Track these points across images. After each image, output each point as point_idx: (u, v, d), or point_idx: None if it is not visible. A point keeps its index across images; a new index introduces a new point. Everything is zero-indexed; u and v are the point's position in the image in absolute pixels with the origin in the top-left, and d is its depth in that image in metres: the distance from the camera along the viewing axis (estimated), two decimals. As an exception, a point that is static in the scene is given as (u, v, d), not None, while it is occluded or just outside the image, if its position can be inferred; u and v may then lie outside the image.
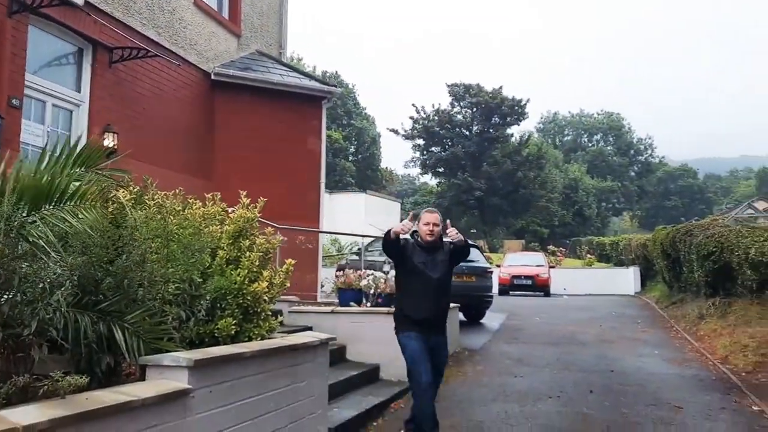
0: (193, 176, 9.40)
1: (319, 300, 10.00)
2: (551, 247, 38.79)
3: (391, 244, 5.00)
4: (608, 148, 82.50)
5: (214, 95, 10.50)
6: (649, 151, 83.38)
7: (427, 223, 5.11)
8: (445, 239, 5.20)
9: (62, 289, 2.76)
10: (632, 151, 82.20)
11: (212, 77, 10.40)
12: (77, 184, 3.01)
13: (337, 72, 54.47)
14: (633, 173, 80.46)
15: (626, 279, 24.61)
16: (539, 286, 23.25)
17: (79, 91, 8.04)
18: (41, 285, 2.71)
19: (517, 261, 25.68)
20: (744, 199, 59.23)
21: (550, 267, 26.00)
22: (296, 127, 11.14)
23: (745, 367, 8.69)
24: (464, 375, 8.29)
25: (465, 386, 7.63)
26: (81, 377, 2.65)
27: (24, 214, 2.78)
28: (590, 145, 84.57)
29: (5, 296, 2.66)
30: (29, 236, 2.70)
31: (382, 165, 60.06)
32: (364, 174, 53.86)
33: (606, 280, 24.84)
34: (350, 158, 53.40)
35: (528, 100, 51.59)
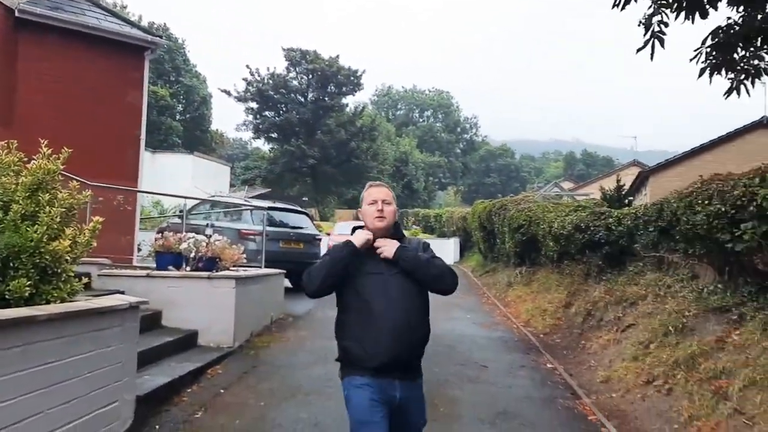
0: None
1: (135, 264, 9.46)
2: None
3: (346, 264, 3.06)
4: (437, 124, 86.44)
5: (18, 35, 9.37)
6: (474, 130, 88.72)
7: (374, 201, 3.18)
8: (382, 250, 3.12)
9: None
10: (459, 129, 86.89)
11: (16, 14, 9.26)
12: None
13: (165, 24, 51.31)
14: (459, 150, 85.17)
15: (447, 249, 26.14)
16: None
17: None
18: None
19: (347, 230, 26.02)
20: (553, 179, 65.24)
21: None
22: (114, 77, 10.28)
23: (543, 329, 9.60)
24: (287, 340, 8.30)
25: (286, 351, 7.65)
26: None
27: None
28: (421, 120, 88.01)
29: None
30: None
31: (213, 127, 57.83)
32: (193, 135, 51.51)
33: (429, 250, 26.12)
34: (177, 117, 50.77)
35: (364, 71, 52.25)
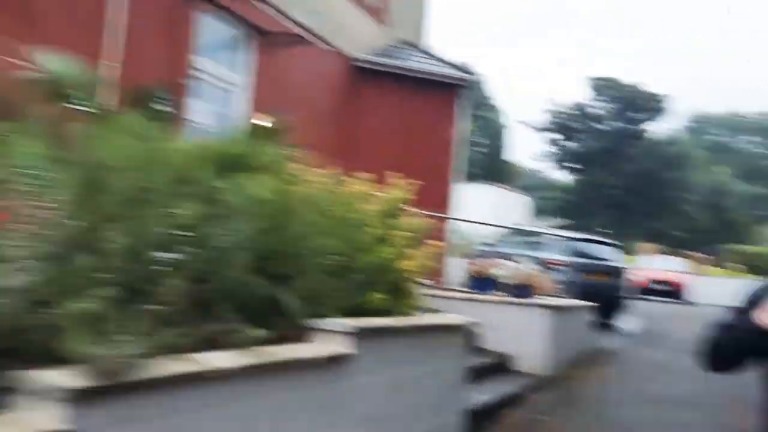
0: (339, 158, 9.76)
1: (445, 286, 10.06)
2: (692, 253, 36.52)
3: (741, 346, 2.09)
4: (759, 150, 75.95)
5: (358, 81, 10.82)
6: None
7: None
8: None
9: (244, 252, 2.98)
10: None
11: (356, 63, 10.72)
12: (265, 156, 3.27)
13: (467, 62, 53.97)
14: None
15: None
16: (678, 292, 22.03)
17: (238, 74, 8.58)
18: (226, 246, 2.93)
19: (655, 264, 24.38)
20: None
21: (694, 274, 24.55)
22: (433, 114, 11.30)
23: None
24: (597, 375, 8.08)
25: (598, 386, 7.45)
26: (260, 331, 2.85)
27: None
28: (741, 146, 78.17)
29: (195, 253, 2.88)
30: (219, 201, 2.95)
31: (509, 158, 58.88)
32: (491, 166, 53.10)
33: None
34: (477, 149, 52.84)
35: (666, 96, 48.83)
